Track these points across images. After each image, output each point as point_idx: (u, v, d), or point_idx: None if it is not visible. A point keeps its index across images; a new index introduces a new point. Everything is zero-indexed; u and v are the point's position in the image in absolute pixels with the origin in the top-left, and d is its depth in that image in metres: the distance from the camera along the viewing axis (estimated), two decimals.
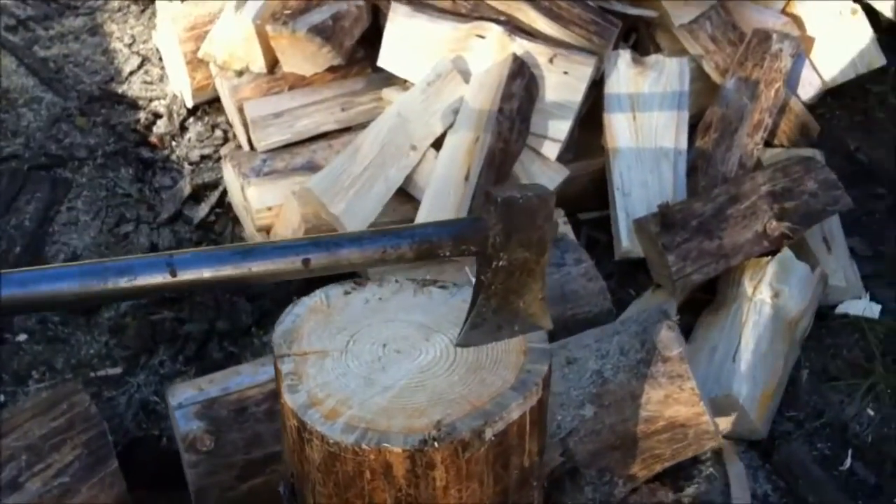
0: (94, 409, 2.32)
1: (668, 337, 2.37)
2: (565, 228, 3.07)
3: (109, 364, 2.95)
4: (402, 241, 1.47)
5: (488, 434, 1.45)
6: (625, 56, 3.19)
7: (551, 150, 3.05)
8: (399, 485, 1.45)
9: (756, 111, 3.20)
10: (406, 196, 2.98)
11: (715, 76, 3.35)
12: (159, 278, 1.30)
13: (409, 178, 2.95)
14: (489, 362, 1.58)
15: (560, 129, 3.03)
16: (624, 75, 3.19)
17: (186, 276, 1.31)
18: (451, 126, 2.97)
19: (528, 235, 1.55)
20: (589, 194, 3.28)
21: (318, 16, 3.11)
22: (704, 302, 3.05)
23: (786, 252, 2.90)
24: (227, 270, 1.35)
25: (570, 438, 2.35)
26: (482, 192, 2.80)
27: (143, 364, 2.95)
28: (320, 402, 1.49)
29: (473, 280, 2.58)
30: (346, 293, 1.73)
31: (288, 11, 3.11)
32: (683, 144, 3.18)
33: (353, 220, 2.79)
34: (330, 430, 1.44)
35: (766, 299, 2.82)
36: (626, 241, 3.05)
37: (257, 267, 1.37)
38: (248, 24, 3.15)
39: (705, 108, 3.33)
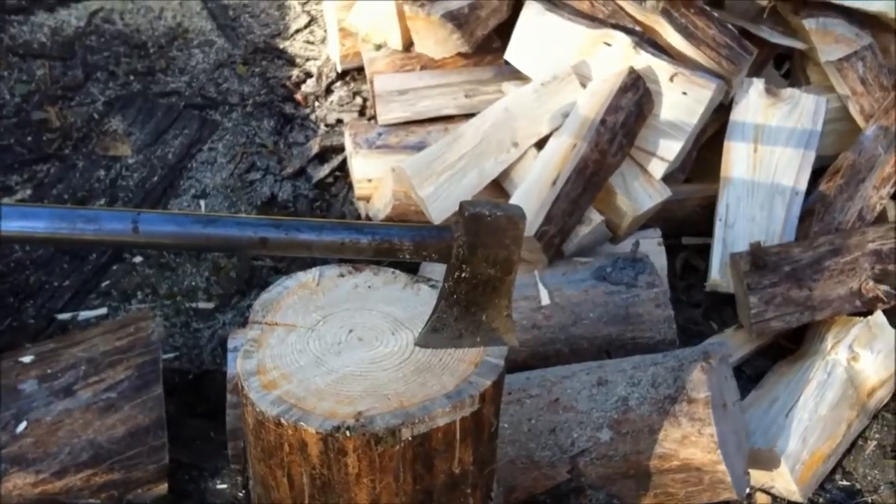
0: (155, 337, 2.54)
1: (699, 379, 2.31)
2: (658, 250, 3.01)
3: (205, 298, 3.18)
4: (362, 237, 1.54)
5: (405, 434, 1.51)
6: (758, 85, 3.06)
7: (658, 168, 2.99)
8: (313, 463, 1.53)
9: (889, 164, 2.99)
10: (501, 190, 3.02)
11: (859, 120, 3.16)
12: (122, 232, 1.43)
13: (506, 174, 2.99)
14: (439, 367, 1.63)
15: (670, 148, 2.96)
16: (754, 104, 3.07)
17: (148, 233, 1.44)
18: (557, 129, 2.97)
19: (493, 252, 1.57)
20: (697, 219, 3.20)
21: (457, 2, 3.18)
22: (788, 351, 2.93)
23: (878, 316, 2.73)
24: (187, 235, 1.47)
25: (581, 458, 2.35)
26: (566, 199, 2.80)
27: (234, 304, 3.17)
28: (266, 371, 1.59)
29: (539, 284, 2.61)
30: (341, 275, 1.82)
31: None
32: (803, 185, 3.03)
33: (438, 204, 2.87)
34: (261, 399, 1.54)
35: (841, 361, 2.67)
36: (717, 274, 2.96)
37: (217, 236, 1.48)
38: (391, 1, 3.27)
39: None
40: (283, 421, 1.51)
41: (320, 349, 1.65)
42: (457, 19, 3.18)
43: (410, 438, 1.52)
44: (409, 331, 1.70)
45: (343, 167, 3.51)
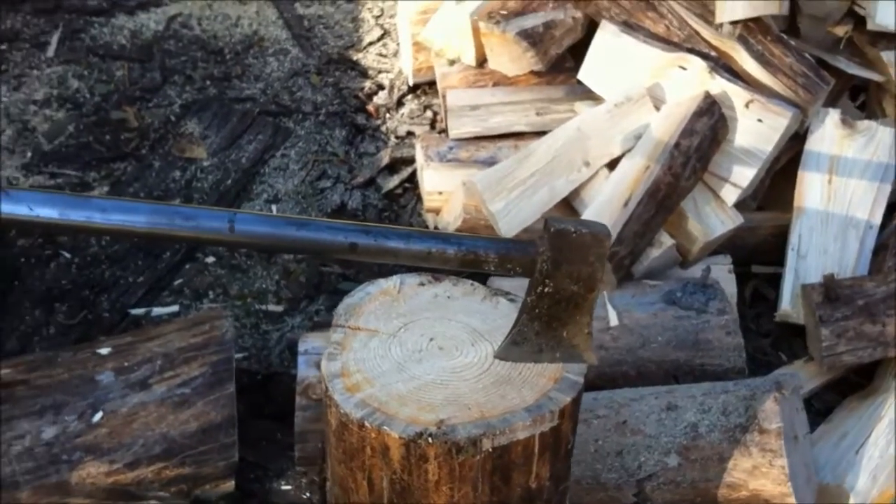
0: (229, 336, 2.58)
1: (771, 409, 2.29)
2: (728, 277, 3.00)
3: (274, 301, 3.23)
4: (448, 247, 1.56)
5: (486, 445, 1.52)
6: (833, 115, 3.04)
7: (730, 194, 2.98)
8: (395, 468, 1.55)
9: None
10: (571, 209, 3.03)
11: None
12: (219, 230, 1.47)
13: (576, 193, 3.00)
14: (519, 380, 1.65)
15: (743, 175, 2.95)
16: (829, 135, 3.04)
17: (243, 233, 1.48)
18: (629, 150, 2.98)
19: (577, 269, 1.59)
20: (768, 248, 3.17)
21: (532, 20, 3.21)
22: (858, 386, 2.89)
23: None
24: (280, 237, 1.50)
25: (648, 482, 2.34)
26: (637, 221, 2.80)
27: (302, 308, 3.21)
28: (349, 374, 1.62)
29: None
30: (421, 284, 1.85)
31: (504, 11, 3.23)
32: (877, 219, 3.00)
33: (508, 220, 2.89)
34: (345, 401, 1.57)
35: None
36: (788, 304, 2.93)
37: (308, 240, 1.51)
38: (466, 18, 3.30)
39: None
40: (366, 424, 1.53)
41: (402, 356, 1.67)
42: (531, 37, 3.21)
43: (491, 450, 1.53)
44: (489, 343, 1.72)
45: (412, 179, 3.55)
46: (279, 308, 3.21)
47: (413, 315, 1.77)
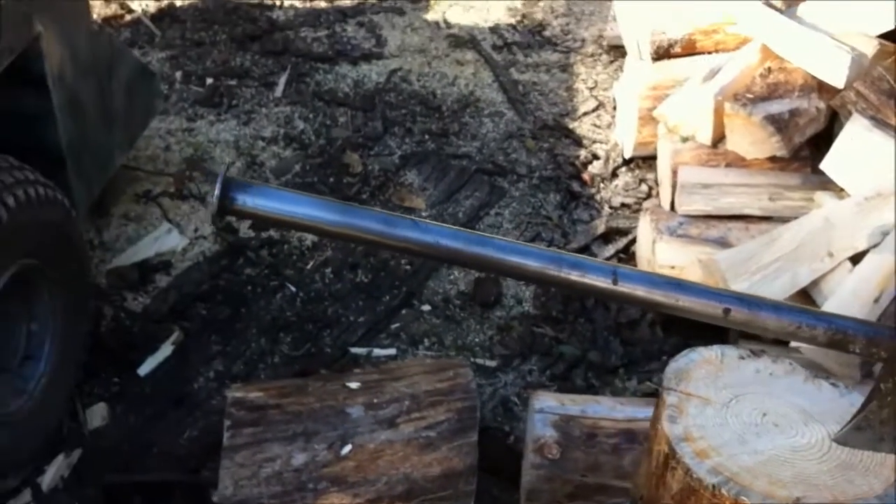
0: (473, 385, 2.61)
1: None
2: None
3: (488, 356, 3.26)
4: (818, 323, 1.56)
5: None
6: None
7: None
8: None
9: None
10: (807, 298, 2.99)
11: None
12: (602, 282, 1.50)
13: (815, 283, 2.96)
14: (860, 467, 1.62)
15: None
16: None
17: (624, 287, 1.51)
18: (875, 246, 2.93)
19: None
20: None
21: (778, 106, 3.22)
22: None
23: None
24: (658, 295, 1.52)
25: None
26: (891, 318, 2.75)
27: (515, 366, 3.22)
28: (693, 439, 1.62)
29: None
30: (741, 357, 1.84)
31: (750, 95, 3.25)
32: None
33: None
34: (697, 466, 1.56)
35: None
36: None
37: (684, 300, 1.53)
38: (709, 98, 3.33)
39: None
40: (723, 492, 1.52)
41: (739, 427, 1.66)
42: (777, 123, 3.21)
43: None
44: (820, 424, 1.70)
45: (627, 250, 3.56)
46: (492, 363, 3.24)
47: (739, 388, 1.76)
